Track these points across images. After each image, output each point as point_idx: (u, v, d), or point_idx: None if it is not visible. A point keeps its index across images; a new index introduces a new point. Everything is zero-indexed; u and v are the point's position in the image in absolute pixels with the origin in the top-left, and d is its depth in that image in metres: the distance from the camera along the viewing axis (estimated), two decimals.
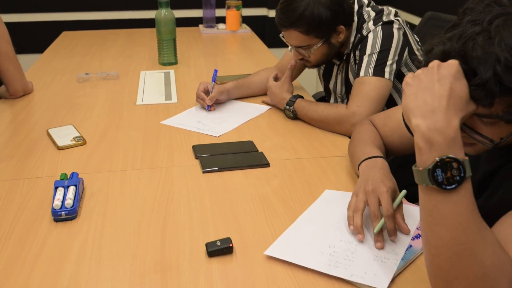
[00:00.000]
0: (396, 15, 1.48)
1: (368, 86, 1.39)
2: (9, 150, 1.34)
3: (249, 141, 1.37)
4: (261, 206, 1.06)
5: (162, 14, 2.06)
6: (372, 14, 1.48)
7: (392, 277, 0.82)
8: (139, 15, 3.22)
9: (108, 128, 1.48)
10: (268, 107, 1.64)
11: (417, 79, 0.71)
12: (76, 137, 1.38)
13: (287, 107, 1.52)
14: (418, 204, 0.76)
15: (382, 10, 1.48)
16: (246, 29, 2.86)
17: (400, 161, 1.26)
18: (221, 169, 1.21)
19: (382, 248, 0.88)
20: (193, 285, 0.82)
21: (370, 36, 1.43)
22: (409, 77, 0.73)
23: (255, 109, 1.63)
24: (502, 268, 0.66)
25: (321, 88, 2.00)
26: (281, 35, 1.54)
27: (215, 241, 0.90)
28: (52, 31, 2.91)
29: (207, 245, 0.89)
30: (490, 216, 0.77)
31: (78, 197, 1.05)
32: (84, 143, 1.36)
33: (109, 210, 1.05)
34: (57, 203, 1.01)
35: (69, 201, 1.01)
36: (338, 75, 1.63)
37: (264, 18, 3.36)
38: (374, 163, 1.02)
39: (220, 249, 0.89)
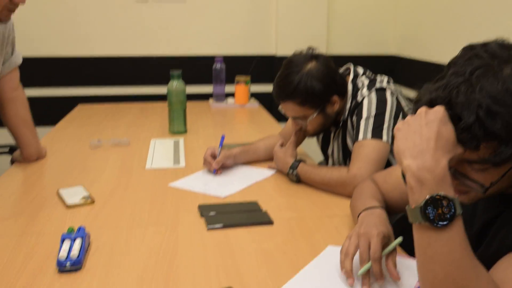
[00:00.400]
0: (388, 82, 1.56)
1: (367, 148, 1.44)
2: (19, 207, 1.37)
3: (254, 202, 1.40)
4: (263, 260, 1.07)
5: (174, 85, 2.17)
6: (366, 81, 1.57)
7: None
8: (152, 90, 3.38)
9: (116, 189, 1.52)
10: (273, 172, 1.68)
11: (406, 124, 0.76)
12: (85, 197, 1.42)
13: (290, 170, 1.56)
14: None
15: (375, 78, 1.57)
16: (254, 103, 2.98)
17: (404, 225, 1.28)
18: (225, 226, 1.23)
19: (352, 283, 0.89)
20: None
21: (365, 101, 1.51)
22: (399, 123, 0.78)
23: (261, 173, 1.67)
24: None
25: None
26: (279, 107, 1.63)
27: None
28: (68, 105, 3.04)
29: None
30: (489, 265, 0.78)
31: (84, 250, 1.07)
32: (93, 202, 1.40)
33: (114, 263, 1.06)
34: (63, 254, 1.03)
35: (75, 252, 1.03)
36: (334, 141, 1.69)
37: (272, 94, 3.49)
38: (372, 212, 1.05)
39: None
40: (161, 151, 1.93)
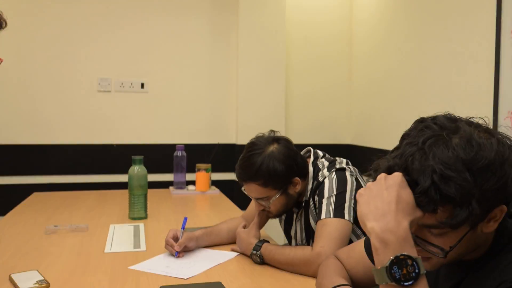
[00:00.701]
0: (347, 164, 1.64)
1: (330, 227, 1.47)
2: None
3: (218, 282, 1.37)
4: None
5: (135, 170, 2.18)
6: (326, 163, 1.63)
7: None
8: (111, 178, 3.35)
9: (74, 273, 1.46)
10: (236, 254, 1.66)
11: (368, 190, 0.80)
12: (40, 281, 1.35)
13: (254, 251, 1.56)
14: None
15: (335, 160, 1.64)
16: (215, 190, 2.99)
17: None
18: None
19: None
20: None
21: (326, 181, 1.56)
22: (361, 190, 0.82)
23: (224, 255, 1.65)
24: None
25: None
26: (242, 188, 1.66)
27: None
28: (22, 193, 2.94)
29: None
30: None
31: None
32: (48, 286, 1.33)
33: None
34: None
35: None
36: (297, 222, 1.72)
37: (233, 182, 3.53)
38: None
39: None
40: (120, 236, 1.89)
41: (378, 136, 3.32)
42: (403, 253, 0.72)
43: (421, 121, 0.87)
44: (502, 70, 2.17)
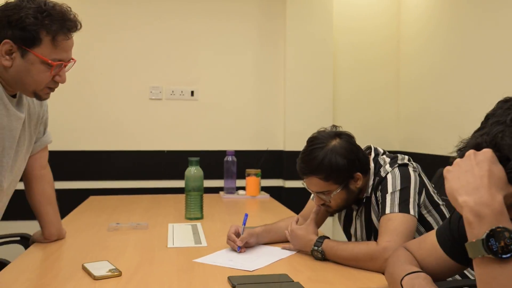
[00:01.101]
0: (409, 160, 1.62)
1: (396, 221, 1.46)
2: (43, 282, 1.34)
3: (284, 274, 1.38)
4: None
5: (192, 171, 2.23)
6: (388, 159, 1.62)
7: None
8: (163, 184, 3.42)
9: (142, 264, 1.50)
10: (294, 252, 1.66)
11: (456, 166, 0.80)
12: (112, 269, 1.40)
13: (315, 248, 1.55)
14: None
15: (397, 156, 1.63)
16: (265, 195, 3.01)
17: None
18: None
19: None
20: None
21: (389, 176, 1.55)
22: (448, 167, 0.82)
23: (285, 251, 1.66)
24: None
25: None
26: (302, 182, 1.66)
27: None
28: (77, 197, 3.03)
29: None
30: None
31: None
32: (120, 274, 1.37)
33: None
34: None
35: None
36: (357, 219, 1.71)
37: (281, 188, 3.54)
38: (417, 275, 1.04)
39: None
40: (180, 233, 1.93)
41: (428, 141, 3.26)
42: (500, 226, 0.71)
43: (505, 101, 0.86)
44: None
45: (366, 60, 3.72)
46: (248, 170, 3.02)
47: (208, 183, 3.34)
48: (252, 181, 2.99)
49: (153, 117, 3.48)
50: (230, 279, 1.32)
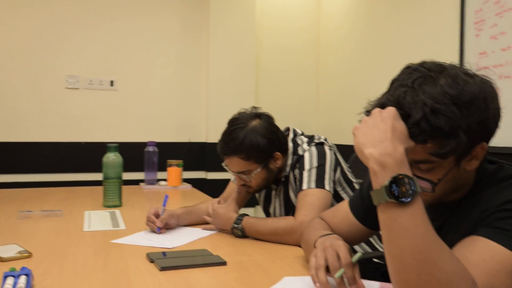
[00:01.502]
0: (325, 140, 1.69)
1: (312, 197, 1.51)
2: None
3: (204, 249, 1.38)
4: None
5: (110, 158, 2.16)
6: (305, 139, 1.69)
7: None
8: (80, 177, 3.29)
9: (55, 246, 1.43)
10: (215, 231, 1.67)
11: (364, 122, 0.85)
12: (21, 251, 1.32)
13: (235, 225, 1.57)
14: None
15: (313, 136, 1.70)
16: (187, 185, 2.99)
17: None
18: (179, 267, 1.20)
19: None
20: None
21: (306, 154, 1.61)
22: (356, 124, 0.87)
23: (204, 231, 1.66)
24: (462, 274, 0.72)
25: None
26: (223, 164, 1.67)
27: None
28: None
29: None
30: None
31: (30, 285, 0.99)
32: (30, 255, 1.31)
33: None
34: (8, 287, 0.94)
35: (21, 285, 0.95)
36: (276, 198, 1.75)
37: (204, 179, 3.53)
38: (329, 236, 1.08)
39: None
40: (97, 219, 1.86)
41: (346, 130, 3.41)
42: (401, 173, 0.77)
43: (408, 67, 0.93)
44: (467, 61, 2.29)
45: (288, 52, 3.81)
46: (169, 161, 2.99)
47: (129, 176, 3.27)
48: (174, 171, 2.96)
49: (69, 107, 3.33)
50: (148, 255, 1.30)
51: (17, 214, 1.92)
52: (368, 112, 0.90)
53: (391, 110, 0.84)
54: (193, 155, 3.51)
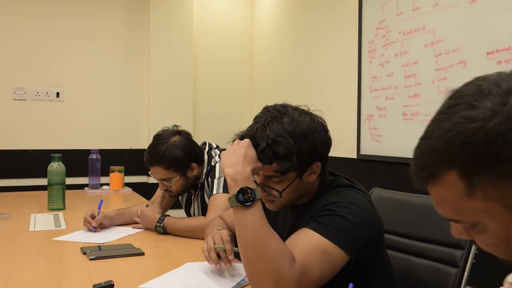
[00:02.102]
0: None
1: (220, 200, 1.87)
2: None
3: (129, 243, 1.71)
4: (138, 273, 1.40)
5: (54, 166, 2.45)
6: (218, 152, 2.05)
7: None
8: (27, 182, 3.52)
9: (2, 245, 1.72)
10: (141, 230, 2.00)
11: (227, 150, 1.22)
12: None
13: (158, 224, 1.91)
14: None
15: (224, 149, 2.06)
16: (128, 189, 3.29)
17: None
18: (105, 257, 1.53)
19: (221, 267, 1.30)
20: None
21: (217, 165, 1.97)
22: (224, 151, 1.23)
23: (133, 230, 1.99)
24: (284, 252, 1.09)
25: None
26: (149, 172, 2.01)
27: (100, 283, 1.21)
28: None
29: (94, 286, 1.20)
30: None
31: None
32: None
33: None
34: None
35: None
36: (195, 201, 2.11)
37: (145, 184, 3.84)
38: (220, 231, 1.45)
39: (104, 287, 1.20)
40: (42, 220, 2.16)
41: None
42: (245, 186, 1.13)
43: (265, 108, 1.30)
44: (363, 83, 2.73)
45: (224, 67, 4.18)
46: (112, 167, 3.28)
47: (73, 181, 3.54)
48: (116, 177, 3.25)
49: (17, 117, 3.56)
50: (82, 248, 1.62)
51: None
52: (232, 141, 1.27)
53: (246, 141, 1.21)
54: (135, 160, 3.81)
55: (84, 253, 1.59)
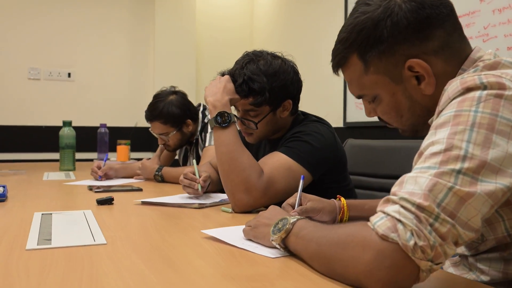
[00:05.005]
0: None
1: (211, 151, 2.09)
2: None
3: (129, 184, 1.94)
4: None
5: (65, 131, 2.69)
6: None
7: None
8: (40, 156, 3.78)
9: (21, 189, 1.96)
10: (143, 180, 2.23)
11: (210, 83, 1.44)
12: None
13: (156, 173, 2.14)
14: None
15: None
16: (133, 161, 3.52)
17: None
18: (107, 191, 1.76)
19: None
20: None
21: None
22: (207, 85, 1.46)
23: (135, 180, 2.22)
24: (254, 166, 1.31)
25: None
26: (150, 129, 2.24)
27: (102, 197, 1.44)
28: None
29: (97, 200, 1.43)
30: None
31: (5, 194, 1.53)
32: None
33: None
34: None
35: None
36: (191, 156, 2.33)
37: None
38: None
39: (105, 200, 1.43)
40: (54, 175, 2.39)
41: None
42: (223, 111, 1.36)
43: (245, 52, 1.52)
44: None
45: (225, 45, 4.40)
46: (119, 141, 3.51)
47: (83, 155, 3.78)
48: (122, 149, 3.48)
49: (31, 96, 3.82)
50: (88, 186, 1.86)
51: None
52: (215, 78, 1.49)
53: (226, 77, 1.43)
54: (141, 137, 4.04)
55: (90, 189, 1.82)
